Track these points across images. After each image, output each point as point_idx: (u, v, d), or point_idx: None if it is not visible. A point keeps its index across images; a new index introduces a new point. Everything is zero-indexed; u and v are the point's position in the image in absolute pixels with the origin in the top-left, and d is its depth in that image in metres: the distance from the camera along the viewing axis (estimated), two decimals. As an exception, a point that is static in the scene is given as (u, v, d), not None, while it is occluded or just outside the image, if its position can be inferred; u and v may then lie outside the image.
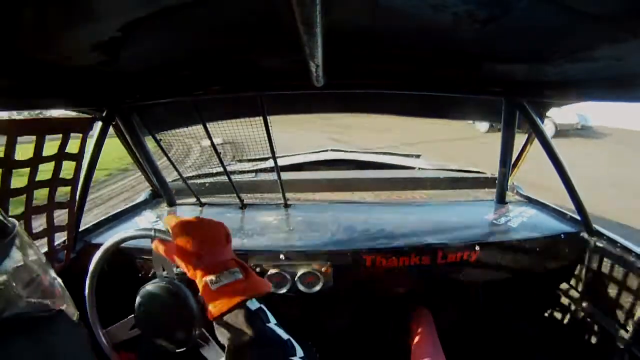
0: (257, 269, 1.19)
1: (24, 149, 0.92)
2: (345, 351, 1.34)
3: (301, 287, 1.20)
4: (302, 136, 8.14)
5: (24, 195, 0.95)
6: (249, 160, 2.30)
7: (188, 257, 0.62)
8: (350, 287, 1.24)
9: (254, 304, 0.58)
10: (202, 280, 0.60)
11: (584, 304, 1.27)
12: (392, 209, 1.59)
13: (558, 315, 1.33)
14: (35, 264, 0.44)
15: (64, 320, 0.43)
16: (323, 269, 1.20)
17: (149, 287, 0.76)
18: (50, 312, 0.43)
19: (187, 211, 1.61)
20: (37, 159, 0.94)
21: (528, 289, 1.33)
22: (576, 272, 1.29)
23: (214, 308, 0.57)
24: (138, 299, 0.75)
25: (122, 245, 0.81)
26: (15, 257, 0.41)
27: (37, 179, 0.97)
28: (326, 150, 2.83)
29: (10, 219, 0.43)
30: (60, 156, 1.02)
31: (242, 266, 0.61)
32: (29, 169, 0.94)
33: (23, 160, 0.90)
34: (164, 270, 0.80)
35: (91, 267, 0.80)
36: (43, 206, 1.04)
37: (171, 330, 0.76)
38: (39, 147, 0.93)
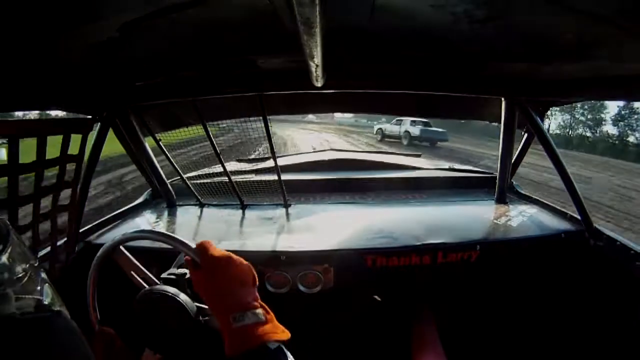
0: (258, 270, 1.19)
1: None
2: (346, 351, 1.34)
3: (302, 288, 1.20)
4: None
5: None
6: (249, 161, 2.30)
7: (215, 291, 0.64)
8: (350, 287, 1.24)
9: (272, 344, 0.59)
10: (225, 316, 0.61)
11: (585, 303, 1.27)
12: (392, 209, 1.59)
13: (558, 314, 1.33)
14: (25, 266, 0.44)
15: (62, 321, 0.43)
16: (323, 270, 1.20)
17: (139, 300, 0.76)
18: (49, 313, 0.43)
19: (187, 211, 1.61)
20: (41, 162, 0.91)
21: (528, 289, 1.33)
22: (576, 271, 1.29)
23: (232, 346, 0.58)
24: (137, 314, 0.76)
25: (124, 244, 0.81)
26: (4, 259, 0.41)
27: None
28: (326, 151, 2.83)
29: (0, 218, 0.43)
30: (64, 159, 1.01)
31: (265, 309, 0.63)
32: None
33: (27, 164, 0.87)
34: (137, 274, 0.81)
35: (93, 264, 0.80)
36: (49, 212, 1.03)
37: (174, 330, 0.76)
38: (41, 150, 0.90)
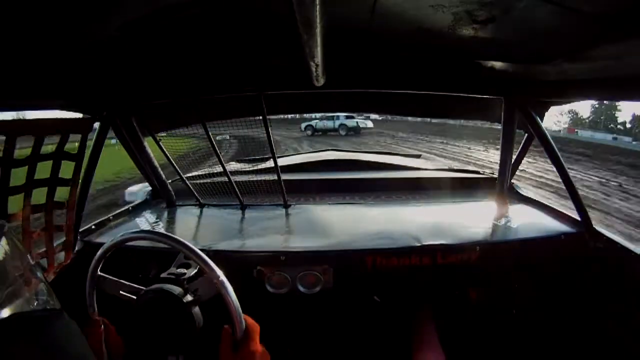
0: (257, 270, 1.19)
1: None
2: (346, 352, 1.34)
3: (301, 289, 1.20)
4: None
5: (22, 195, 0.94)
6: (249, 161, 2.30)
7: None
8: (350, 288, 1.24)
9: None
10: None
11: (584, 304, 1.27)
12: (392, 209, 1.59)
13: (558, 315, 1.33)
14: (21, 266, 0.43)
15: (60, 320, 0.43)
16: (323, 270, 1.19)
17: (142, 298, 0.76)
18: (46, 312, 0.43)
19: (187, 211, 1.61)
20: (35, 157, 0.93)
21: (528, 290, 1.33)
22: (576, 273, 1.29)
23: None
24: (136, 312, 0.76)
25: (123, 245, 0.81)
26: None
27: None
28: (326, 150, 2.83)
29: None
30: (59, 155, 1.02)
31: None
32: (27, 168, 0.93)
33: (21, 158, 0.90)
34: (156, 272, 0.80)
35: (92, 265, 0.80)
36: (42, 205, 1.03)
37: (172, 337, 0.76)
38: (37, 146, 0.93)
